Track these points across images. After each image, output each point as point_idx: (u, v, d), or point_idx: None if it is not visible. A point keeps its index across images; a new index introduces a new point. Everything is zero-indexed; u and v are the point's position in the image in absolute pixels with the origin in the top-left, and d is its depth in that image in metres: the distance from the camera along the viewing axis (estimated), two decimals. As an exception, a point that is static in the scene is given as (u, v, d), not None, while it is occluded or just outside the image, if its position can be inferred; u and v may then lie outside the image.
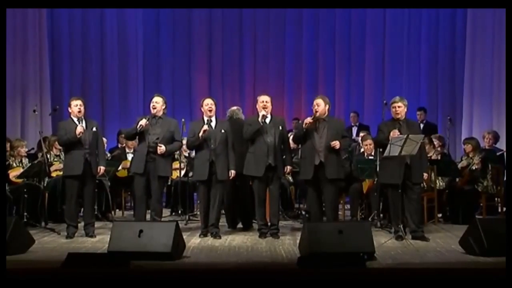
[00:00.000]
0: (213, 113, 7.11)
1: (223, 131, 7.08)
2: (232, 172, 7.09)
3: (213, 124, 7.06)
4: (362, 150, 8.71)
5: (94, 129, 7.10)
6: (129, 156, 9.09)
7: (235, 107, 8.02)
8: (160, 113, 7.18)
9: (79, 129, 6.87)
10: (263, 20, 12.87)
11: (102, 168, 7.18)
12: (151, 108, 7.18)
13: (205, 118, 7.07)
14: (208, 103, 7.09)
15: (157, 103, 7.15)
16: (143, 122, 7.00)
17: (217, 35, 12.96)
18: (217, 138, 7.01)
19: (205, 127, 6.95)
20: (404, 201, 6.80)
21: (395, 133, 6.66)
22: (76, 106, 7.04)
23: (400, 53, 12.64)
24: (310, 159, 6.96)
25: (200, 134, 6.93)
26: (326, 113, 7.07)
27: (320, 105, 7.03)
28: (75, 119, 7.04)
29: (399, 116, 6.92)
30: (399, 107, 6.91)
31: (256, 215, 7.20)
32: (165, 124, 7.18)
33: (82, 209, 7.32)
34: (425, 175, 7.15)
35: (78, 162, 6.93)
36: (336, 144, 6.82)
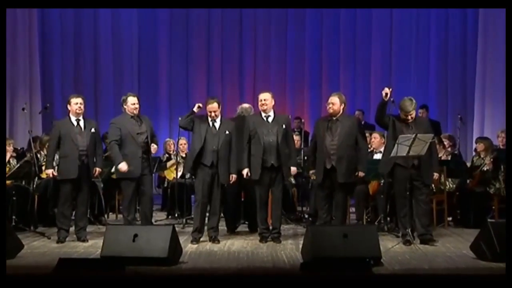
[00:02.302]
0: (218, 113, 6.81)
1: (227, 132, 6.80)
2: (233, 176, 6.84)
3: (217, 125, 6.79)
4: (370, 149, 8.44)
5: (93, 130, 6.95)
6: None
7: (247, 105, 7.74)
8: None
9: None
10: (264, 15, 12.74)
11: (97, 170, 7.03)
12: (132, 109, 6.95)
13: (209, 120, 6.78)
14: (213, 107, 6.72)
15: (137, 104, 7.00)
16: (199, 105, 6.83)
17: (216, 32, 12.84)
18: (220, 140, 6.75)
19: (199, 104, 6.81)
20: (412, 203, 6.60)
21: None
22: (76, 104, 6.88)
23: (408, 51, 12.51)
24: (321, 162, 6.74)
25: (195, 109, 6.75)
26: (341, 112, 6.80)
27: (336, 104, 6.77)
28: (73, 118, 6.88)
29: (410, 121, 6.69)
30: (410, 114, 6.65)
31: (258, 218, 6.94)
32: (146, 123, 7.09)
33: (74, 212, 7.14)
34: (436, 175, 6.92)
35: (73, 166, 6.78)
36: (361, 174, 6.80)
